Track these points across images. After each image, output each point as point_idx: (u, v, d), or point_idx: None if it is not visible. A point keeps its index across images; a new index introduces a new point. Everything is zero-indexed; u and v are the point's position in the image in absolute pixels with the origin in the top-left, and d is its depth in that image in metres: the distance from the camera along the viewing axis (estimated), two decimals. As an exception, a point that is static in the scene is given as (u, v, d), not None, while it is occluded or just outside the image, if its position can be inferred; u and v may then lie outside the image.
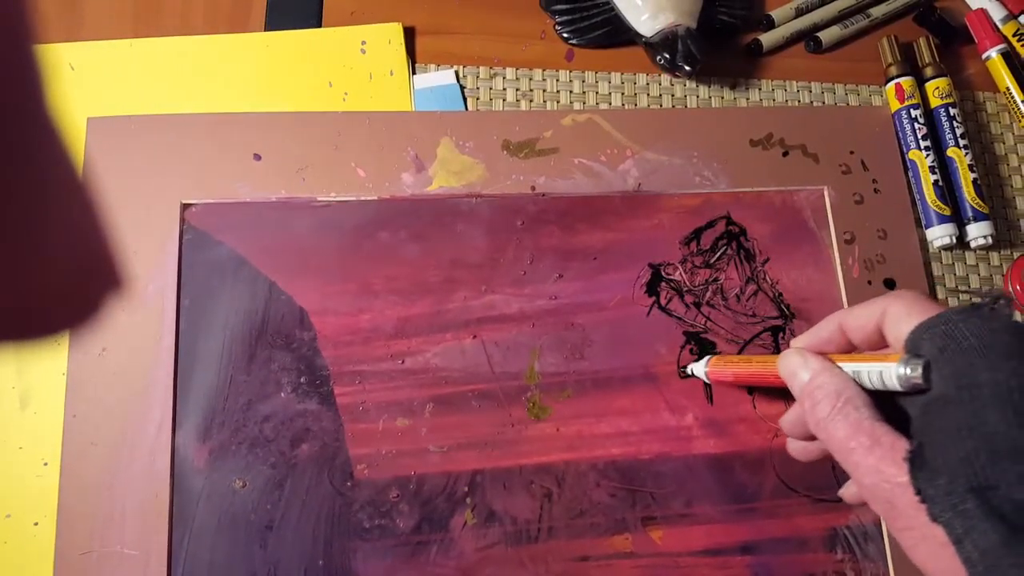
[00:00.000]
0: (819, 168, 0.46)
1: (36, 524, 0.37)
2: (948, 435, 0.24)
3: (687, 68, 0.46)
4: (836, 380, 0.29)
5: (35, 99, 0.15)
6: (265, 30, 0.46)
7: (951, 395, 0.24)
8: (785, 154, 0.46)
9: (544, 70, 0.48)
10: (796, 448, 0.34)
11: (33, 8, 0.14)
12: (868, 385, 0.28)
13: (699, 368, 0.40)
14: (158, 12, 0.46)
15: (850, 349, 0.32)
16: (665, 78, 0.49)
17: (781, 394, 0.40)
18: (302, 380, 0.39)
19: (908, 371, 0.26)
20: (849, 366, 0.29)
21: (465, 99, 0.46)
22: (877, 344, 0.30)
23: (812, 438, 0.32)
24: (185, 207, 0.41)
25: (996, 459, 0.23)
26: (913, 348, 0.27)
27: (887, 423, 0.27)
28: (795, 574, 0.39)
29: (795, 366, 0.31)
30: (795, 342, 0.33)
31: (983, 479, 0.23)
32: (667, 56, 0.46)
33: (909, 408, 0.28)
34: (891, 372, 0.27)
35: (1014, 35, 0.51)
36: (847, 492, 0.33)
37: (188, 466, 0.38)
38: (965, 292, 0.46)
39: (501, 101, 0.47)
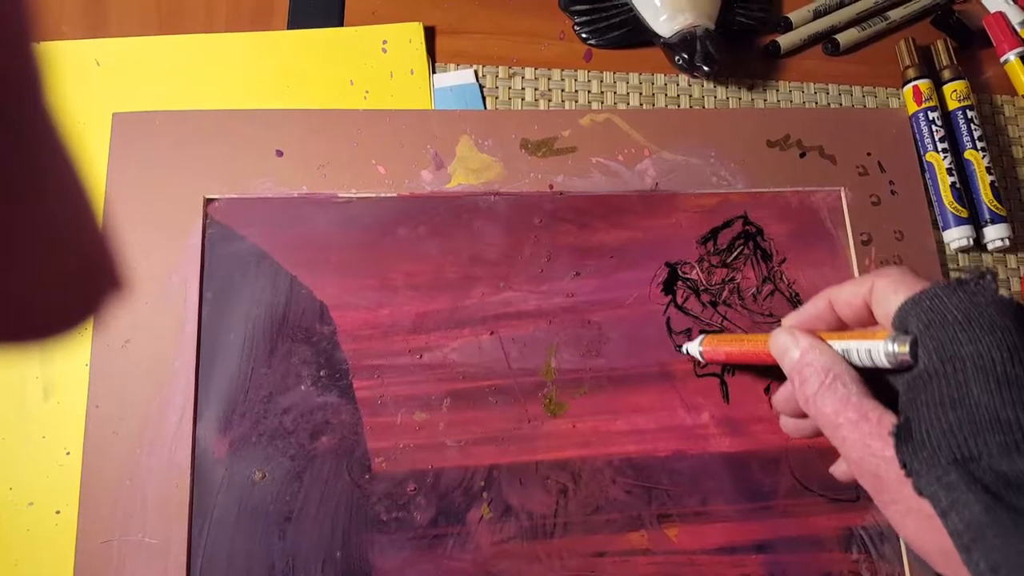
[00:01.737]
0: (836, 169, 0.46)
1: (58, 512, 0.37)
2: (932, 408, 0.24)
3: (705, 69, 0.46)
4: (825, 357, 0.29)
5: (34, 98, 0.15)
6: (288, 29, 0.47)
7: (936, 369, 0.25)
8: (802, 155, 0.46)
9: (563, 70, 0.48)
10: (788, 425, 0.35)
11: (32, 7, 0.15)
12: (857, 363, 0.29)
13: (693, 347, 0.41)
14: (182, 10, 0.47)
15: (840, 326, 0.32)
16: (683, 79, 0.49)
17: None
18: (322, 373, 0.40)
19: (896, 348, 0.26)
20: (839, 344, 0.29)
21: (484, 98, 0.47)
22: (866, 320, 0.30)
23: (803, 415, 0.32)
24: (208, 202, 0.41)
25: (978, 430, 0.23)
26: (900, 324, 0.27)
27: (875, 399, 0.27)
28: (810, 573, 0.39)
29: (785, 344, 0.31)
30: (786, 320, 0.33)
31: (965, 450, 0.23)
32: (685, 57, 0.47)
33: (897, 384, 0.28)
34: (879, 349, 0.27)
35: (1032, 39, 0.51)
36: (838, 469, 0.33)
37: (209, 457, 0.38)
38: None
39: (520, 100, 0.47)
